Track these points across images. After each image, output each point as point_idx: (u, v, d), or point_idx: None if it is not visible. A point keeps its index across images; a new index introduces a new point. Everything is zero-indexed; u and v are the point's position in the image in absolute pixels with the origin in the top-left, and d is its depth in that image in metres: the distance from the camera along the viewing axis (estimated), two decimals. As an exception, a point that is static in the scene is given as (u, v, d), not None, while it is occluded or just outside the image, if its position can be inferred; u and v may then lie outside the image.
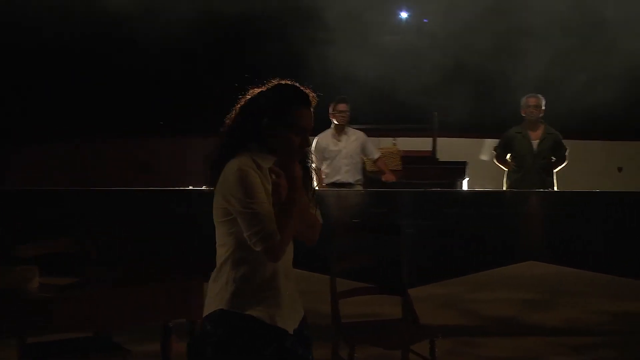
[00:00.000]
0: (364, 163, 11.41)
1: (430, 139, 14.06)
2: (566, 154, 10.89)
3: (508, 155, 11.11)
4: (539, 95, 10.92)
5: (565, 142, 10.98)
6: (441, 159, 13.68)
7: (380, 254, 7.21)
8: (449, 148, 14.36)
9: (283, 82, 4.19)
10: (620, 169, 16.04)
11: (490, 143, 13.00)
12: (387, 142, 13.93)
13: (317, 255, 7.28)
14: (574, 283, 10.10)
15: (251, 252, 3.95)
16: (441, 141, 14.14)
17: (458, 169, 12.60)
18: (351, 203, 9.81)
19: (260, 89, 4.17)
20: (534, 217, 9.45)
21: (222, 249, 4.10)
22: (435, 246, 9.17)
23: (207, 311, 4.08)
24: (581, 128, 14.60)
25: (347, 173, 11.02)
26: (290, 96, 4.11)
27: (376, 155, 11.35)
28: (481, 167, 14.11)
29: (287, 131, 4.05)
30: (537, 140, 10.88)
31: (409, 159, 12.73)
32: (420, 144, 14.35)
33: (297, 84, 4.19)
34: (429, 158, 13.67)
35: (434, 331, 6.39)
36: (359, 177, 11.18)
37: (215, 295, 4.08)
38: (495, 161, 11.37)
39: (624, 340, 8.22)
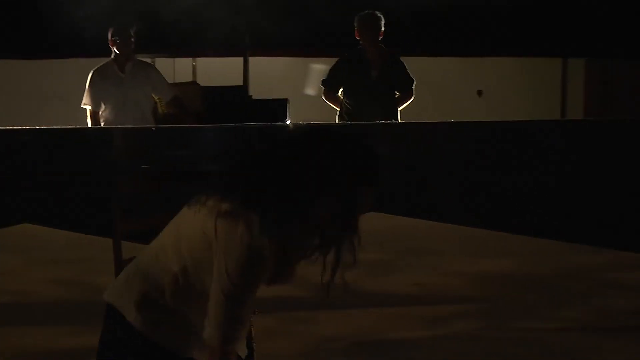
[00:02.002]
0: (155, 104, 10.14)
1: (240, 70, 12.56)
2: (413, 87, 10.04)
3: (340, 91, 10.10)
4: (377, 12, 9.92)
5: (414, 60, 10.59)
6: (255, 96, 12.13)
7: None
8: (265, 81, 13.00)
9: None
10: (480, 93, 15.44)
11: (317, 71, 12.51)
12: (185, 73, 13.32)
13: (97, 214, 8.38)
14: (424, 239, 9.48)
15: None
16: (255, 70, 12.74)
17: (278, 108, 11.18)
18: (139, 145, 9.01)
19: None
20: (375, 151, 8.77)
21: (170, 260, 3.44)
22: None
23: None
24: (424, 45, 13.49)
25: (134, 122, 9.70)
26: (357, 173, 3.28)
27: (170, 95, 10.06)
28: (307, 104, 12.60)
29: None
30: (377, 71, 10.01)
31: (214, 97, 11.39)
32: (228, 74, 12.69)
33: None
34: (240, 94, 12.18)
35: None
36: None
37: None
38: (324, 98, 10.34)
39: (487, 309, 7.60)
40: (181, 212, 3.45)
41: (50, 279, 8.26)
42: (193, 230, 3.32)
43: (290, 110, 11.22)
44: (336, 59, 10.30)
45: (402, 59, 10.24)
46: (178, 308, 3.36)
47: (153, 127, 9.50)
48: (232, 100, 11.55)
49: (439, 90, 14.03)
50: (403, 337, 6.88)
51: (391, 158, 8.41)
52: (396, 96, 10.00)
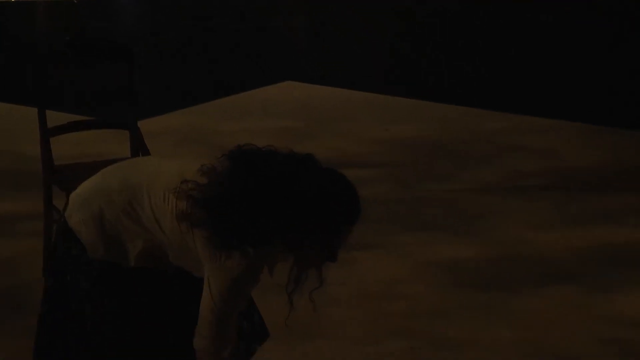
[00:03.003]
0: None
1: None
2: None
3: None
4: None
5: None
6: None
7: (103, 80, 7.75)
8: None
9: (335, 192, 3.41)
10: None
11: None
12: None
13: (22, 82, 9.20)
14: (341, 107, 9.51)
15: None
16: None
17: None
18: (59, 15, 9.24)
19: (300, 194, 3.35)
20: (289, 29, 9.46)
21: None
22: (171, 69, 8.92)
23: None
24: None
25: None
26: (343, 222, 3.43)
27: None
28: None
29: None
30: None
31: None
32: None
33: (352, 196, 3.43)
34: None
35: None
36: None
37: None
38: None
39: (397, 172, 8.18)
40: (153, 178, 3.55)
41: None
42: (172, 224, 3.44)
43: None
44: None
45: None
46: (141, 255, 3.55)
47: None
48: None
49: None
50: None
51: (307, 28, 9.30)
52: None
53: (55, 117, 5.96)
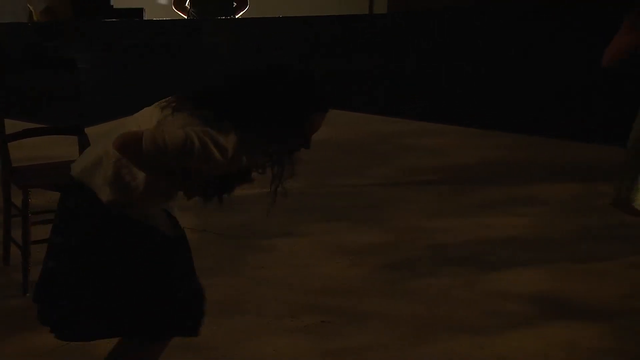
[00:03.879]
0: (31, 14, 9.74)
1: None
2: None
3: (188, 2, 9.99)
4: None
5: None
6: (116, 6, 11.49)
7: (53, 91, 7.79)
8: None
9: (297, 76, 3.39)
10: None
11: None
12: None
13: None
14: None
15: None
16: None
17: (135, 15, 11.08)
18: (17, 38, 9.11)
19: (264, 74, 3.36)
20: (216, 47, 9.53)
21: None
22: (113, 79, 8.78)
23: None
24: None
25: None
26: (310, 104, 3.38)
27: (42, 6, 9.50)
28: (160, 13, 12.28)
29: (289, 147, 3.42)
30: None
31: (80, 5, 10.49)
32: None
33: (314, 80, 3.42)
34: (103, 3, 11.27)
35: None
36: None
37: None
38: (174, 8, 10.18)
39: (311, 169, 7.63)
40: (149, 114, 3.37)
41: None
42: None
43: (145, 17, 11.09)
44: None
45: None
46: (146, 197, 3.34)
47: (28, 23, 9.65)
48: (96, 8, 10.94)
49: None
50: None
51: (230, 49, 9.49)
52: (234, 6, 9.96)
53: (12, 125, 5.85)
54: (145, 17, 11.22)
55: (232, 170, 3.41)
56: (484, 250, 5.82)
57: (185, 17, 10.20)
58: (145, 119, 3.33)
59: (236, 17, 10.19)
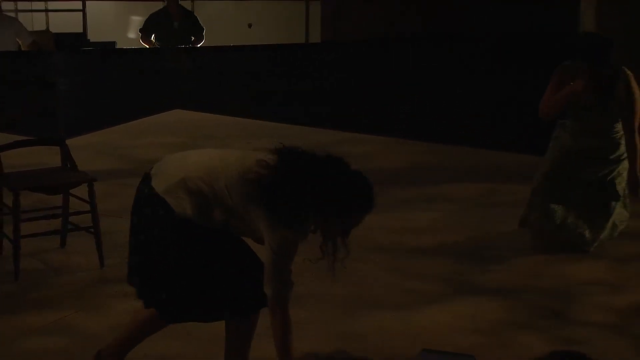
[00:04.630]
0: (19, 47, 9.34)
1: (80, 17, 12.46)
2: (203, 33, 9.92)
3: (153, 36, 9.82)
4: None
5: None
6: (92, 39, 11.71)
7: (38, 108, 7.47)
8: (100, 28, 12.76)
9: (358, 188, 3.52)
10: (250, 25, 14.37)
11: (136, 21, 11.94)
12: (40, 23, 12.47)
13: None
14: (215, 127, 9.52)
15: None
16: (92, 19, 12.58)
17: (108, 48, 10.90)
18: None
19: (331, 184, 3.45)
20: (177, 71, 9.20)
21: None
22: (89, 99, 8.70)
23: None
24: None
25: None
26: (361, 210, 3.56)
27: (30, 40, 9.22)
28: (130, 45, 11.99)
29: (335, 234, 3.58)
30: (178, 22, 9.75)
31: (62, 41, 10.88)
32: (71, 23, 12.40)
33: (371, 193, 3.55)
34: (80, 38, 11.61)
35: (92, 176, 5.47)
36: None
37: None
38: (141, 42, 10.06)
39: None
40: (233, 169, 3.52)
41: None
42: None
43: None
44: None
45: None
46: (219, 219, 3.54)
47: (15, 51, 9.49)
48: (75, 43, 11.07)
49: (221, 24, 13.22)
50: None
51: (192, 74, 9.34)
52: (192, 40, 9.87)
53: (3, 137, 5.92)
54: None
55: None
56: (404, 239, 5.88)
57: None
58: (240, 168, 3.52)
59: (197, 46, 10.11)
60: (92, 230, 5.35)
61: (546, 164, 5.68)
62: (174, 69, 9.76)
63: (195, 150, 3.83)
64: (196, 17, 10.16)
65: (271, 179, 3.44)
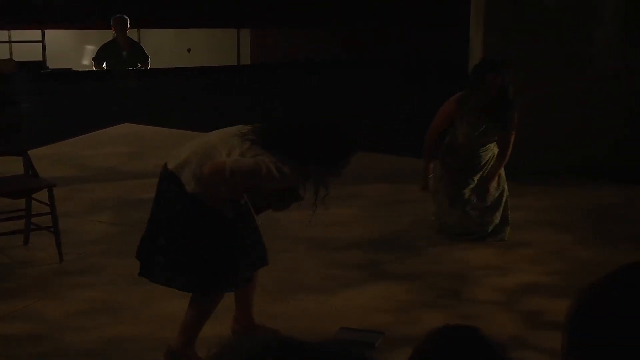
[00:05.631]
0: None
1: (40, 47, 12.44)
2: (149, 60, 9.71)
3: (104, 64, 9.66)
4: (124, 15, 9.53)
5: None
6: (51, 67, 11.15)
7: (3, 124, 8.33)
8: (57, 56, 12.46)
9: (338, 134, 3.71)
10: (189, 50, 14.29)
11: (90, 50, 11.51)
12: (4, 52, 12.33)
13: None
14: (159, 138, 9.08)
15: None
16: (50, 48, 12.59)
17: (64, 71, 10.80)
18: None
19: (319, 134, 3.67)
20: (125, 90, 9.29)
21: None
22: (49, 115, 8.71)
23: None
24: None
25: None
26: (346, 150, 3.70)
27: None
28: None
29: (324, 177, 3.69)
30: (126, 51, 9.58)
31: (24, 68, 10.22)
32: (32, 52, 12.25)
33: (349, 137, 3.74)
34: (41, 65, 10.89)
35: (51, 182, 5.39)
36: None
37: None
38: (94, 68, 9.87)
39: None
40: (228, 136, 3.62)
41: None
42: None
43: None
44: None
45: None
46: (218, 197, 3.56)
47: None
48: (36, 70, 10.48)
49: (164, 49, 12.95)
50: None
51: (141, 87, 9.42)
52: (138, 66, 9.68)
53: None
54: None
55: (287, 188, 3.75)
56: (326, 232, 5.85)
57: None
58: (229, 143, 3.59)
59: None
60: (52, 229, 5.28)
61: (437, 172, 5.71)
62: (122, 88, 9.70)
63: (189, 143, 3.83)
64: (142, 47, 9.98)
65: (272, 128, 3.63)
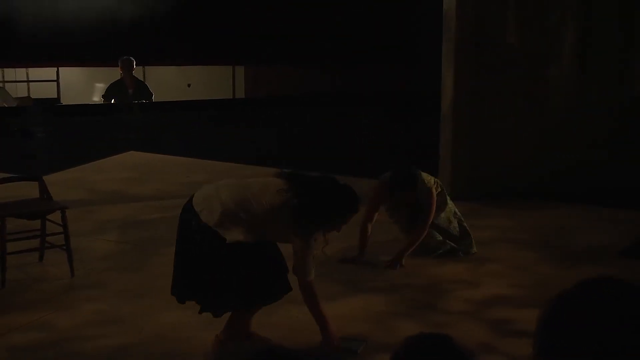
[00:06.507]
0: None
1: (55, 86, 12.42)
2: (152, 98, 9.74)
3: (112, 100, 9.62)
4: (130, 57, 9.45)
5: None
6: (65, 103, 11.74)
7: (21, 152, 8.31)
8: (70, 94, 12.65)
9: (345, 191, 3.88)
10: (189, 85, 14.27)
11: (100, 88, 11.40)
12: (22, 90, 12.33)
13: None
14: (162, 164, 9.17)
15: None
16: (64, 86, 12.58)
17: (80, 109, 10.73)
18: None
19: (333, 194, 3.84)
20: (132, 121, 9.38)
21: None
22: (62, 144, 8.76)
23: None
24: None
25: None
26: (350, 211, 3.88)
27: (14, 104, 9.29)
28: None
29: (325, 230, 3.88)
30: (132, 90, 9.52)
31: (40, 104, 10.48)
32: (48, 90, 12.46)
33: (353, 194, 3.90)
34: (56, 102, 11.77)
35: (64, 204, 5.37)
36: None
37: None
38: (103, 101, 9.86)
39: None
40: (260, 193, 3.72)
41: None
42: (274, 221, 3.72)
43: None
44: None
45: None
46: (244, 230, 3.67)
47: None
48: (51, 102, 11.03)
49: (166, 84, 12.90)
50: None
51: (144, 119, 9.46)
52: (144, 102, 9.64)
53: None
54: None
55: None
56: None
57: None
58: (266, 196, 3.73)
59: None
60: (65, 247, 5.25)
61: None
62: (129, 120, 9.72)
63: (223, 184, 3.87)
64: (147, 85, 9.93)
65: (294, 204, 3.69)
